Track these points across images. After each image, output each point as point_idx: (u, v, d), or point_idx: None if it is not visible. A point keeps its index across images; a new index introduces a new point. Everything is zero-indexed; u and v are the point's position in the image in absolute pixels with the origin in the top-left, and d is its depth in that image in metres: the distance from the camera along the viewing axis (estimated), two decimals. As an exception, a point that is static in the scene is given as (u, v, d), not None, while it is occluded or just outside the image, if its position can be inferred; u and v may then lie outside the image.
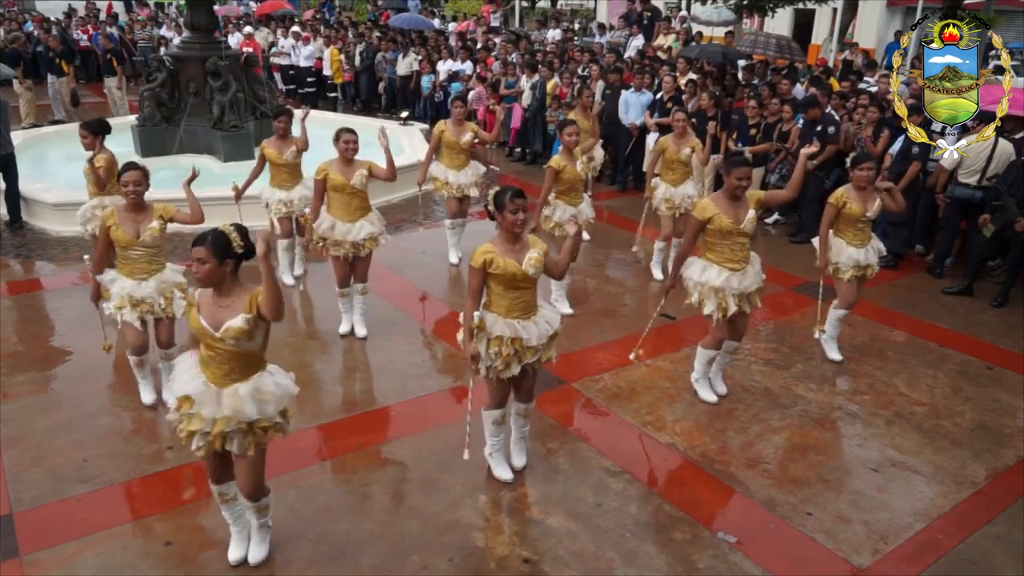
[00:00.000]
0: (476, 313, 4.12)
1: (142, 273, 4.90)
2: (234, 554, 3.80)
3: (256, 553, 3.81)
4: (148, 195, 4.93)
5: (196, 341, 3.48)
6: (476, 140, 7.77)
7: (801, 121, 8.82)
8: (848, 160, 5.88)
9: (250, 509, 3.72)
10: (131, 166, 4.87)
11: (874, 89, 9.71)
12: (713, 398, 5.40)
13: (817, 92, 9.21)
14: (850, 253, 5.67)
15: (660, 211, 7.35)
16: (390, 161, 5.91)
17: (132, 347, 5.05)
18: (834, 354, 6.05)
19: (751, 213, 4.92)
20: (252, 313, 3.32)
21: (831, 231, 5.76)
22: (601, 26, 18.41)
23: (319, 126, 9.68)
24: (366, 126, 12.88)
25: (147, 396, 5.23)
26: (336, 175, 5.70)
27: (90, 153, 6.18)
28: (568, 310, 6.70)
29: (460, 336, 4.22)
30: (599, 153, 9.03)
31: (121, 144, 10.77)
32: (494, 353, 4.09)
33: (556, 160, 6.32)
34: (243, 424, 3.40)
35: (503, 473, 4.52)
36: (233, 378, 3.39)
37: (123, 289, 4.88)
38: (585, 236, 6.61)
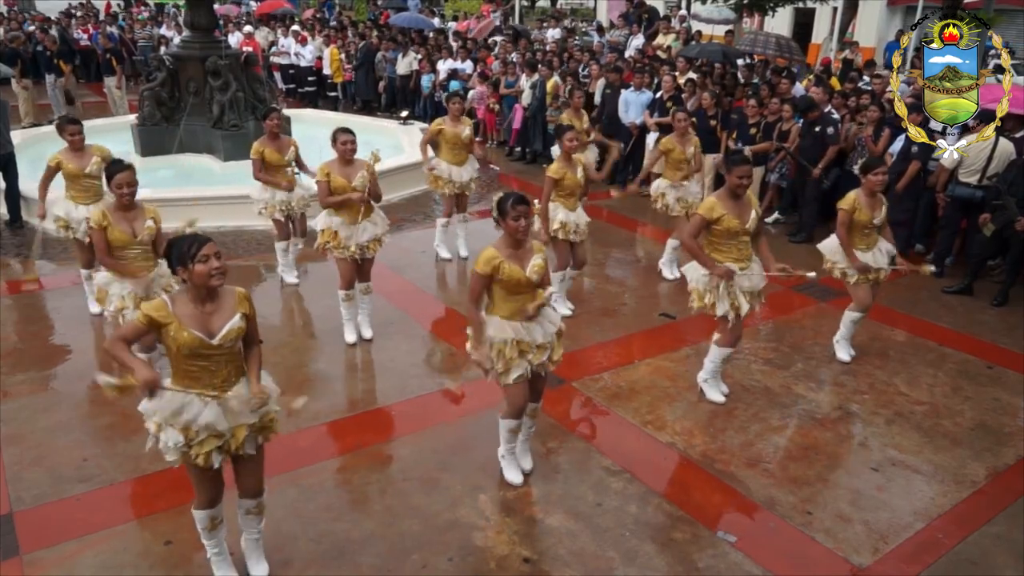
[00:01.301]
0: (486, 317, 4.14)
1: (141, 271, 4.90)
2: None
3: (260, 568, 3.74)
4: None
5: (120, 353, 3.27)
6: (479, 140, 7.77)
7: (801, 121, 8.81)
8: (856, 165, 5.84)
9: (252, 515, 3.63)
10: (121, 167, 4.79)
11: (869, 88, 9.71)
12: (721, 399, 5.39)
13: (818, 92, 9.20)
14: (863, 258, 5.65)
15: (674, 212, 7.33)
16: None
17: (143, 347, 5.01)
18: (843, 355, 6.03)
19: (754, 214, 4.92)
20: (244, 310, 3.31)
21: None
22: (600, 27, 18.41)
23: (318, 125, 9.69)
24: (368, 126, 12.95)
25: None
26: (338, 177, 5.65)
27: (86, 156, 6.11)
28: (566, 311, 6.71)
29: (469, 346, 4.20)
30: (591, 154, 9.03)
31: (121, 144, 10.81)
32: (496, 355, 4.09)
33: (555, 168, 6.23)
34: (256, 422, 3.38)
35: (514, 477, 4.51)
36: (232, 382, 3.34)
37: (124, 288, 4.84)
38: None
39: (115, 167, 4.82)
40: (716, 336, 5.28)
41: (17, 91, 13.94)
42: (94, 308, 6.20)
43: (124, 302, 4.85)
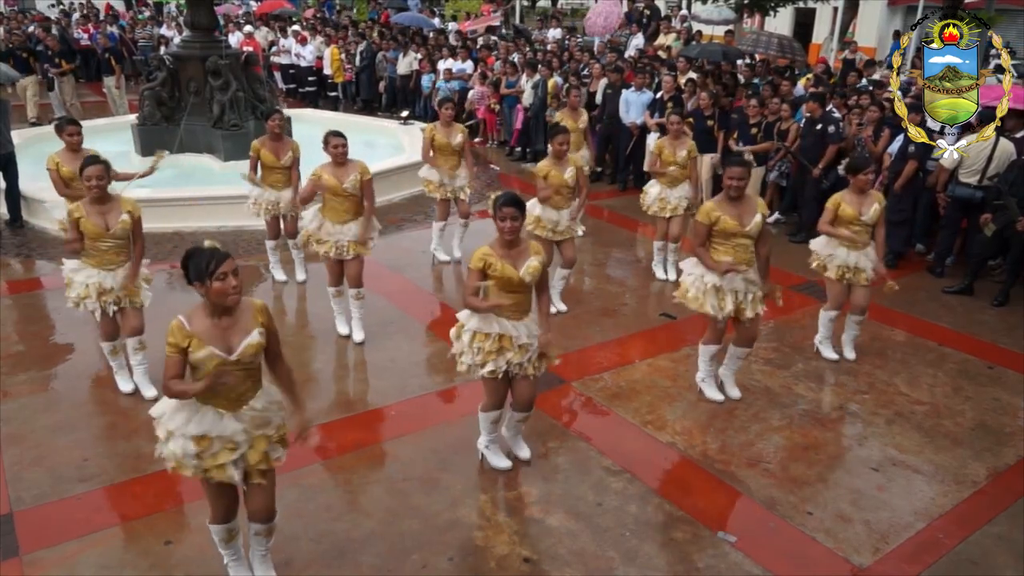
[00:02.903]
0: (463, 312, 4.24)
1: (111, 264, 4.96)
2: None
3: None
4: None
5: (176, 373, 3.19)
6: (476, 140, 7.77)
7: (803, 120, 8.82)
8: (843, 163, 5.86)
9: (261, 535, 3.59)
10: (93, 160, 4.89)
11: (869, 89, 9.71)
12: (720, 397, 5.40)
13: (823, 91, 9.21)
14: (839, 253, 5.69)
15: (653, 211, 7.37)
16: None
17: (103, 334, 5.14)
18: (829, 353, 6.06)
19: (758, 217, 4.89)
20: (263, 321, 3.28)
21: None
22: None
23: (318, 125, 9.64)
24: (367, 126, 12.95)
25: (125, 385, 5.32)
26: (330, 178, 5.71)
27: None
28: (562, 307, 6.73)
29: (453, 331, 4.31)
30: (584, 154, 9.02)
31: (121, 143, 10.81)
32: (477, 348, 4.15)
33: (542, 166, 6.34)
34: (272, 433, 3.37)
35: (500, 462, 4.57)
36: (248, 397, 3.31)
37: (89, 279, 4.92)
38: (580, 231, 6.62)
39: (88, 161, 4.90)
40: (705, 335, 5.34)
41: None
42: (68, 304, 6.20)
43: (87, 291, 4.92)
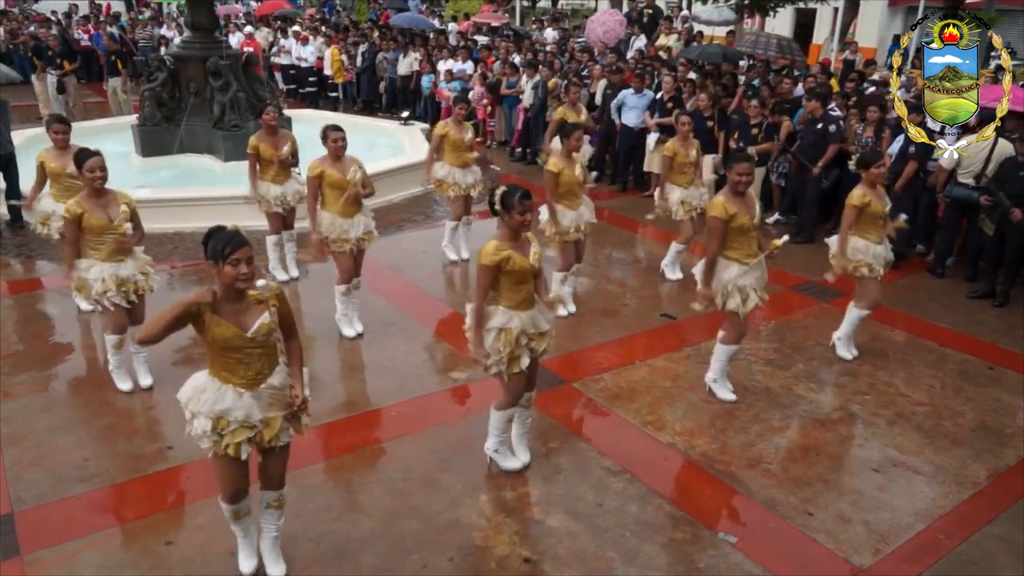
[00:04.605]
0: (490, 308, 4.20)
1: (119, 255, 5.01)
2: (247, 566, 3.74)
3: (278, 569, 3.74)
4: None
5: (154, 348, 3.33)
6: (478, 140, 7.75)
7: (800, 120, 8.82)
8: (852, 160, 5.84)
9: (271, 507, 3.66)
10: (90, 153, 4.92)
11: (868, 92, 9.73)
12: (732, 397, 5.40)
13: (823, 91, 9.22)
14: (876, 251, 5.64)
15: (679, 216, 7.33)
16: None
17: (115, 326, 5.18)
18: (845, 353, 6.04)
19: (757, 208, 5.00)
20: (274, 303, 3.35)
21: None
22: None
23: (318, 125, 9.63)
24: (367, 126, 12.95)
25: (123, 383, 5.34)
26: (333, 172, 5.71)
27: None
28: (571, 307, 6.72)
29: (470, 334, 4.25)
30: (586, 150, 9.00)
31: (122, 144, 10.82)
32: (502, 345, 4.13)
33: (554, 163, 6.23)
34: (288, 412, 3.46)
35: (511, 463, 4.56)
36: (265, 374, 3.38)
37: (104, 272, 4.96)
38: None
39: (84, 154, 4.93)
40: (721, 334, 5.30)
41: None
42: (84, 306, 6.19)
43: (106, 284, 4.96)
